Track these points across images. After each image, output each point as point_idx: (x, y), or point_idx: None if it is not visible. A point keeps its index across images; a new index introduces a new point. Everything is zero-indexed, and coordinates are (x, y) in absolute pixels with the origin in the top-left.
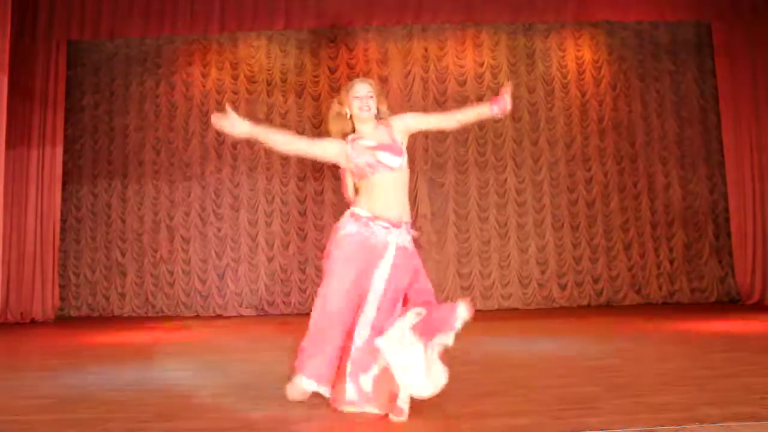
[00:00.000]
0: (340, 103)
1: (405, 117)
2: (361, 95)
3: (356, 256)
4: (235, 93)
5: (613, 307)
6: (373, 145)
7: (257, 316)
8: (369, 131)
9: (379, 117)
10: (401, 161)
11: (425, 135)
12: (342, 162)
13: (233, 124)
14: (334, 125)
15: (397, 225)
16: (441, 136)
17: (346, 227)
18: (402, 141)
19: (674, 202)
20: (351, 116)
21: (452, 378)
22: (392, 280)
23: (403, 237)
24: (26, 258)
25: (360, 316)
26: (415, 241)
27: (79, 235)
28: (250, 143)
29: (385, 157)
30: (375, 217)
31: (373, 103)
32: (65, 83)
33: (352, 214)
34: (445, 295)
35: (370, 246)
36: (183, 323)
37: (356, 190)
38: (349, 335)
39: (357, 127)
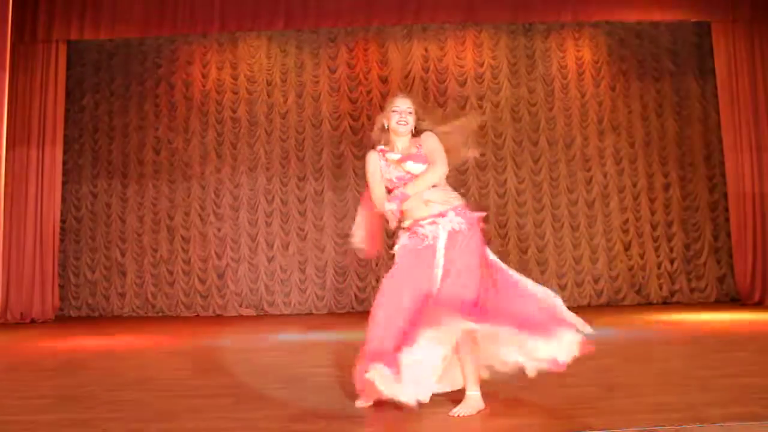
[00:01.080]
0: (384, 117)
1: (430, 141)
2: (401, 110)
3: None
4: (235, 93)
5: (613, 307)
6: (399, 158)
7: (257, 316)
8: (403, 145)
9: (415, 134)
10: (424, 168)
11: None
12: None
13: None
14: (376, 136)
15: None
16: None
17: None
18: (425, 152)
19: (674, 202)
20: (388, 128)
21: None
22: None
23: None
24: (26, 258)
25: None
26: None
27: (79, 235)
28: (250, 143)
29: (410, 165)
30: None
31: (411, 119)
32: (65, 83)
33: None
34: None
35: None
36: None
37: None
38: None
39: (393, 139)
